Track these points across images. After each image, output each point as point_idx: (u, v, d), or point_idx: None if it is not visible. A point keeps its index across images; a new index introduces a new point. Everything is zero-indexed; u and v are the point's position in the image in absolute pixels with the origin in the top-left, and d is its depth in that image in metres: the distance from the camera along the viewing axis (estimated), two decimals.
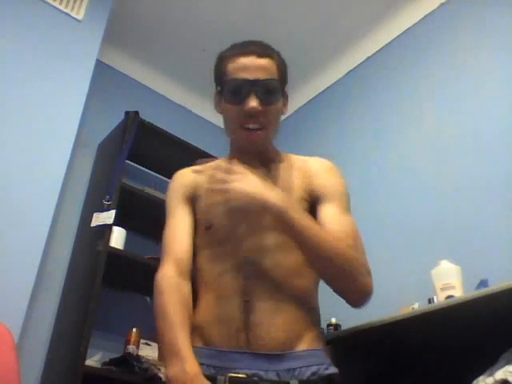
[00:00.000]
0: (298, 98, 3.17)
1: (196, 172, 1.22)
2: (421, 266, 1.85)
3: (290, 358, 0.99)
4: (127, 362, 2.01)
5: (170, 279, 1.06)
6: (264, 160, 1.19)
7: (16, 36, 2.17)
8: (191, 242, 1.13)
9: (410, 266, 2.05)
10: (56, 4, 2.33)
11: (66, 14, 2.36)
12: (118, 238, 2.20)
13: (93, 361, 2.02)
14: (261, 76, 1.09)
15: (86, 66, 2.35)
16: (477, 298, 1.33)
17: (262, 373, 0.97)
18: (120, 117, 2.50)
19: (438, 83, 2.35)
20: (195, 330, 1.03)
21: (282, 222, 1.00)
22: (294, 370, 0.98)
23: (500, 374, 1.24)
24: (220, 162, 1.21)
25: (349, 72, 2.90)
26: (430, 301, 1.64)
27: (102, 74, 2.67)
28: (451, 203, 2.05)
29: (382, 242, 2.23)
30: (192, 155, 2.50)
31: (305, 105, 3.14)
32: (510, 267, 1.68)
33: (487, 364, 1.32)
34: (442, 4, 2.48)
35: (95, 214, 2.19)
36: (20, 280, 1.84)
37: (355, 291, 1.03)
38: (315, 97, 3.08)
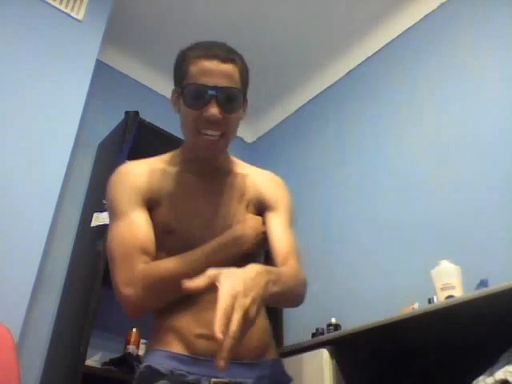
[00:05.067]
0: (297, 98, 3.17)
1: (146, 170, 1.16)
2: (421, 266, 1.85)
3: (263, 366, 1.03)
4: (127, 361, 2.01)
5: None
6: (214, 166, 1.16)
7: (16, 36, 2.17)
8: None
9: (410, 266, 2.05)
10: (56, 4, 2.33)
11: (66, 13, 2.36)
12: None
13: (93, 361, 2.02)
14: (223, 83, 1.05)
15: (86, 66, 2.35)
16: (477, 297, 1.33)
17: (242, 380, 0.99)
18: (120, 117, 2.50)
19: (437, 83, 2.35)
20: (173, 333, 1.01)
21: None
22: (265, 377, 1.02)
23: (500, 374, 1.24)
24: (166, 163, 1.17)
25: (349, 72, 2.90)
26: (430, 301, 1.64)
27: (102, 73, 2.67)
28: (451, 203, 2.05)
29: (382, 242, 2.23)
30: None
31: (305, 105, 3.14)
32: (510, 267, 1.68)
33: (487, 364, 1.32)
34: (442, 4, 2.48)
35: (95, 214, 2.19)
36: (20, 280, 1.84)
37: (295, 305, 1.06)
38: (315, 97, 3.08)
